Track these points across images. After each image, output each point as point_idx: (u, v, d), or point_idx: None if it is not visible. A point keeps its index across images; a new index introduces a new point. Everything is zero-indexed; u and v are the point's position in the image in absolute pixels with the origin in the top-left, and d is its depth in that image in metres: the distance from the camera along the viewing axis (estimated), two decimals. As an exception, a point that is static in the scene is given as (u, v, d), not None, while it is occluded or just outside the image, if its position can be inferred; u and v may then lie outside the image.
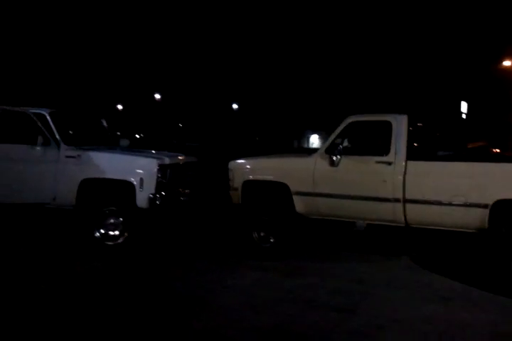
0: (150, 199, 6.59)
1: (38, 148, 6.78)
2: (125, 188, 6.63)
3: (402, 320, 4.53)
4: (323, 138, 47.08)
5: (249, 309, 4.74)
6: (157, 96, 44.16)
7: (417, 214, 6.04)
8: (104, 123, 8.47)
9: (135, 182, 6.61)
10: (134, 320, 4.43)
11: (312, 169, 6.59)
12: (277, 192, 6.76)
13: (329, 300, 5.03)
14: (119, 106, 45.82)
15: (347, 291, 5.34)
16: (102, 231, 6.70)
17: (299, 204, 6.65)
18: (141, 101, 44.08)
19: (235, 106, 45.09)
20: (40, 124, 6.82)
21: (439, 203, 5.82)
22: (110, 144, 7.97)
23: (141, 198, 6.59)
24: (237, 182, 7.06)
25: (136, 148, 8.82)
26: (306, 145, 46.58)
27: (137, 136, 34.71)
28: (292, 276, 5.86)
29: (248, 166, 7.20)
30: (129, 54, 40.11)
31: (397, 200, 6.06)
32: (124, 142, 8.36)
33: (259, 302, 4.94)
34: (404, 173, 6.06)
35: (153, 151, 8.06)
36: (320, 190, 6.51)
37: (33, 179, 6.77)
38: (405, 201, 6.03)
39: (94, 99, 35.87)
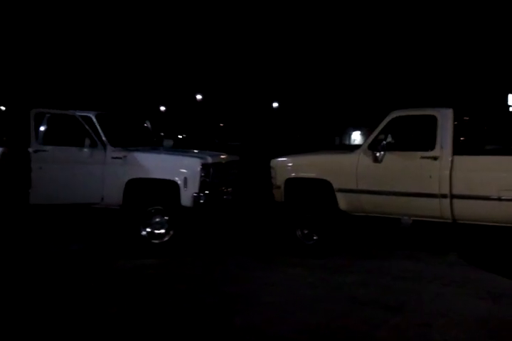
0: (194, 198, 6.69)
1: (86, 149, 6.99)
2: (170, 187, 6.76)
3: (450, 318, 4.44)
4: (365, 134, 46.42)
5: (294, 306, 4.75)
6: (198, 96, 44.65)
7: (464, 209, 5.89)
8: (148, 125, 8.65)
9: (179, 182, 6.73)
10: (177, 315, 4.51)
11: (355, 165, 6.53)
12: (320, 189, 6.73)
13: (376, 298, 4.98)
14: (162, 108, 46.59)
15: (394, 288, 5.27)
16: (149, 229, 6.85)
17: (342, 201, 6.60)
18: (183, 102, 44.68)
19: (275, 104, 45.06)
20: (87, 127, 7.03)
21: (488, 198, 5.67)
22: (154, 145, 8.15)
23: (186, 197, 6.70)
24: (279, 180, 7.07)
25: (179, 148, 8.97)
26: (347, 142, 46.07)
27: (180, 136, 35.21)
28: (337, 274, 5.83)
29: (290, 164, 7.20)
30: (171, 56, 40.72)
31: (443, 196, 5.93)
32: (168, 142, 8.51)
33: (304, 299, 4.94)
34: (451, 168, 5.93)
35: (196, 151, 8.18)
36: (363, 186, 6.44)
37: (81, 180, 6.97)
38: (452, 196, 5.89)
39: (138, 101, 36.61)
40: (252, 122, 42.74)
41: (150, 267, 6.09)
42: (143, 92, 39.86)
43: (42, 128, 7.11)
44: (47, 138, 7.08)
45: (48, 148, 7.01)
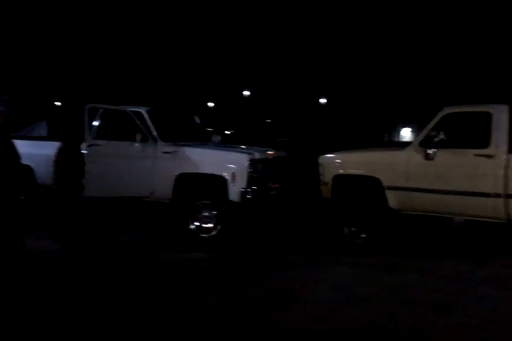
0: (241, 193, 6.75)
1: (137, 144, 7.15)
2: (218, 182, 6.84)
3: (503, 321, 4.29)
4: (416, 131, 45.34)
5: (342, 304, 4.70)
6: (246, 92, 44.84)
7: (520, 209, 5.68)
8: (197, 120, 8.77)
9: (227, 177, 6.79)
10: (223, 308, 4.55)
11: (406, 163, 6.40)
12: (369, 186, 6.64)
13: (426, 298, 4.87)
14: (210, 104, 47.10)
15: (445, 289, 5.14)
16: (197, 223, 6.95)
17: (392, 199, 6.48)
18: (231, 98, 44.99)
19: (323, 100, 44.68)
20: (138, 122, 7.19)
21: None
22: (203, 140, 8.25)
23: (233, 192, 6.76)
24: (327, 176, 7.02)
25: (227, 144, 9.05)
26: (396, 139, 45.15)
27: (227, 132, 35.49)
28: (386, 272, 5.74)
29: (339, 160, 7.13)
30: (220, 52, 41.07)
31: (498, 195, 5.74)
32: (216, 138, 8.62)
33: (351, 297, 4.89)
34: (506, 167, 5.72)
35: (244, 147, 8.23)
36: (414, 184, 6.30)
37: (133, 174, 7.14)
38: (507, 196, 5.69)
39: (187, 97, 37.15)
40: (299, 118, 42.58)
41: (199, 260, 6.18)
42: (192, 88, 40.40)
43: (95, 123, 7.32)
44: (100, 133, 7.28)
45: (101, 142, 7.20)
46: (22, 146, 6.04)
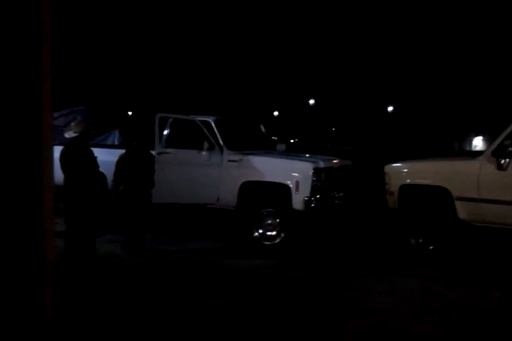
0: (305, 201, 6.76)
1: (204, 152, 7.34)
2: (282, 191, 6.89)
3: None
4: (488, 140, 43.43)
5: (406, 317, 4.59)
6: (311, 101, 44.78)
7: None
8: (263, 129, 8.87)
9: (291, 185, 6.83)
10: (287, 319, 4.56)
11: (477, 173, 6.17)
12: (437, 197, 6.45)
13: (493, 314, 4.67)
14: (275, 113, 47.40)
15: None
16: (261, 231, 7.03)
17: (462, 210, 6.26)
18: (296, 107, 45.07)
19: (390, 108, 43.81)
20: (206, 131, 7.38)
21: None
22: (268, 149, 8.34)
23: (297, 201, 6.79)
24: (393, 186, 6.89)
25: (292, 153, 9.09)
26: (468, 148, 43.46)
27: (292, 140, 35.55)
28: (453, 286, 5.54)
29: (406, 170, 6.98)
30: (285, 62, 41.31)
31: None
32: (281, 147, 8.68)
33: (418, 310, 4.77)
34: None
35: (308, 155, 8.24)
36: (486, 195, 6.06)
37: (199, 181, 7.33)
38: None
39: (253, 106, 37.59)
40: (365, 126, 41.95)
41: (262, 268, 6.23)
42: (257, 97, 40.85)
43: (165, 132, 7.59)
44: (169, 141, 7.55)
45: (170, 150, 7.46)
46: (97, 154, 6.39)
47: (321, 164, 7.11)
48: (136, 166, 6.72)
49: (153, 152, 7.40)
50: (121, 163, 6.77)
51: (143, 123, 10.00)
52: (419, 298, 5.13)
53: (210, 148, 7.33)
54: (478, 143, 45.83)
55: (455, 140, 42.11)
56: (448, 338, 4.14)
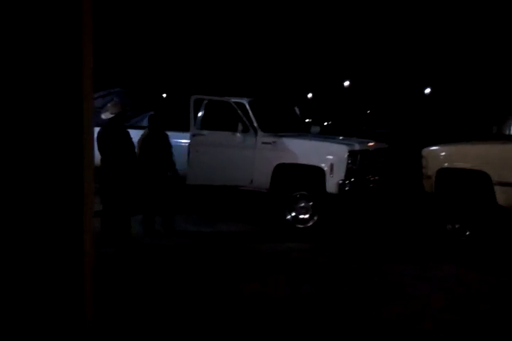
0: (339, 185, 6.68)
1: (238, 134, 7.32)
2: (316, 173, 6.83)
3: None
4: (530, 123, 41.87)
5: (444, 304, 4.53)
6: (346, 83, 44.11)
7: None
8: (297, 111, 8.78)
9: (325, 168, 6.76)
10: (320, 301, 4.56)
11: None
12: (476, 181, 6.29)
13: None
14: (309, 95, 46.92)
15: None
16: (293, 214, 7.02)
17: (502, 195, 6.09)
18: (331, 89, 44.49)
19: (427, 90, 42.78)
20: (240, 112, 7.35)
21: None
22: (302, 131, 8.26)
23: (331, 184, 6.72)
24: (431, 169, 6.75)
25: (326, 135, 8.99)
26: (507, 132, 42.16)
27: (325, 123, 35.17)
28: (490, 273, 5.43)
29: (444, 153, 6.82)
30: (320, 44, 40.69)
31: None
32: (315, 129, 8.58)
33: (454, 296, 4.70)
34: None
35: (343, 138, 8.13)
36: None
37: (233, 163, 7.34)
38: None
39: (287, 88, 37.30)
40: (402, 109, 41.13)
41: (295, 251, 6.23)
42: (292, 79, 40.48)
43: (199, 114, 7.60)
44: (204, 123, 7.56)
45: (204, 132, 7.47)
46: (133, 135, 6.46)
47: (356, 147, 7.01)
48: (153, 147, 6.66)
49: (187, 133, 7.44)
50: (140, 142, 6.71)
51: (177, 105, 10.05)
52: (455, 285, 5.05)
53: (245, 130, 7.30)
54: (518, 126, 44.37)
55: (493, 123, 40.93)
56: (481, 326, 4.07)
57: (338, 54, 41.37)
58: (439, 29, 37.97)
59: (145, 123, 10.52)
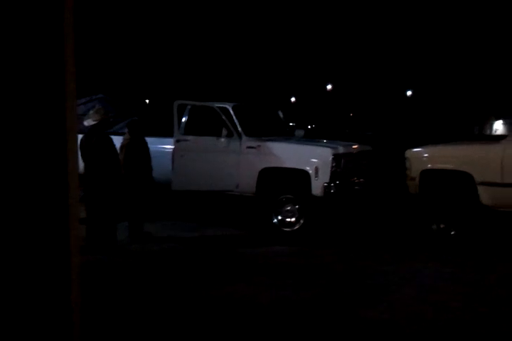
0: (325, 187, 6.71)
1: (223, 139, 7.32)
2: (301, 177, 6.85)
3: None
4: (509, 124, 42.57)
5: (428, 304, 4.56)
6: (329, 86, 44.40)
7: None
8: (281, 115, 8.81)
9: (310, 171, 6.79)
10: (307, 306, 4.57)
11: (501, 157, 6.06)
12: (459, 181, 6.36)
13: None
14: (292, 99, 47.12)
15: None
16: (280, 217, 7.02)
17: (485, 195, 6.17)
18: (313, 92, 44.73)
19: (409, 92, 43.23)
20: (224, 117, 7.35)
21: None
22: (286, 135, 8.29)
23: (316, 187, 6.74)
24: (414, 171, 6.81)
25: (310, 138, 9.03)
26: (488, 132, 42.71)
27: (309, 126, 35.35)
28: (476, 272, 5.49)
29: (427, 154, 6.89)
30: (301, 47, 40.92)
31: None
32: (299, 132, 8.62)
33: (440, 296, 4.73)
34: None
35: (327, 141, 8.17)
36: (510, 180, 5.96)
37: (218, 168, 7.32)
38: None
39: (270, 92, 37.42)
40: (384, 111, 41.50)
41: (282, 254, 6.24)
42: (274, 84, 40.63)
43: (183, 119, 7.58)
44: (188, 128, 7.54)
45: (189, 137, 7.45)
46: (116, 142, 6.41)
47: (341, 149, 7.05)
48: (136, 153, 6.65)
49: (172, 139, 7.42)
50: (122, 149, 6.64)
51: (160, 111, 10.01)
52: (442, 284, 5.09)
53: (229, 135, 7.30)
54: (498, 127, 45.03)
55: (475, 124, 41.41)
56: (472, 325, 4.11)
57: (320, 58, 41.63)
58: (421, 32, 38.43)
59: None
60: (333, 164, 6.79)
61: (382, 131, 19.43)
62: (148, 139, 6.96)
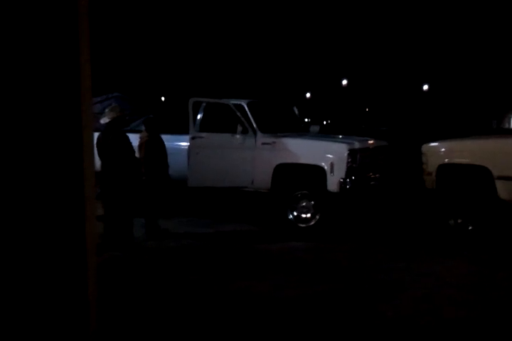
0: (340, 183, 6.69)
1: (238, 136, 7.33)
2: (316, 173, 6.83)
3: None
4: (530, 117, 41.91)
5: (446, 299, 4.53)
6: (344, 82, 44.13)
7: None
8: (296, 111, 8.79)
9: (326, 167, 6.77)
10: (322, 301, 4.57)
11: None
12: (477, 176, 6.29)
13: None
14: (308, 94, 46.95)
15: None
16: (295, 213, 7.02)
17: (503, 189, 6.09)
18: (329, 88, 44.51)
19: (425, 87, 42.77)
20: (239, 114, 7.35)
21: None
22: (301, 131, 8.27)
23: (332, 182, 6.72)
24: (431, 166, 6.75)
25: (326, 134, 8.99)
26: (507, 126, 42.12)
27: (324, 122, 35.23)
28: (493, 268, 5.43)
29: (443, 149, 6.82)
30: (317, 43, 40.71)
31: None
32: (315, 128, 8.59)
33: (458, 292, 4.69)
34: None
35: (343, 136, 8.13)
36: None
37: (233, 165, 7.33)
38: None
39: (285, 88, 37.34)
40: (400, 106, 41.14)
41: (298, 250, 6.24)
42: (290, 79, 40.52)
43: (198, 116, 7.61)
44: (203, 126, 7.57)
45: (204, 134, 7.48)
46: (132, 140, 6.44)
47: (356, 145, 7.01)
48: (156, 151, 6.71)
49: (187, 136, 7.45)
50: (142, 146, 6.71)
51: (176, 108, 10.06)
52: (459, 280, 5.04)
53: (244, 131, 7.30)
54: (518, 120, 44.33)
55: (493, 118, 40.84)
56: (487, 322, 4.07)
57: (335, 53, 41.40)
58: (437, 25, 38.00)
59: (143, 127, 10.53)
60: (349, 160, 6.76)
61: (398, 126, 19.22)
62: (164, 136, 7.00)
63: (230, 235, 7.02)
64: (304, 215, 7.00)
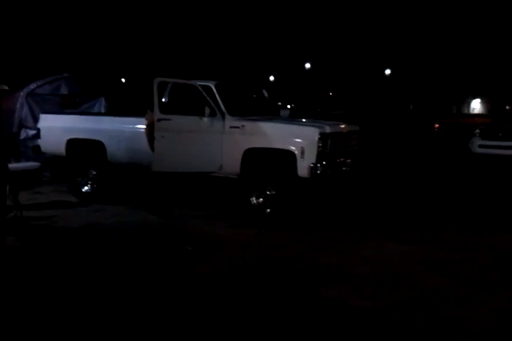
0: (311, 168, 6.51)
1: (206, 119, 7.02)
2: (286, 157, 6.64)
3: None
4: (486, 103, 43.07)
5: (386, 280, 4.59)
6: (307, 65, 44.02)
7: None
8: (265, 94, 8.54)
9: (296, 152, 6.58)
10: (262, 284, 4.51)
11: None
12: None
13: (475, 276, 4.70)
14: (271, 78, 46.65)
15: (504, 266, 4.97)
16: (262, 199, 6.83)
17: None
18: (292, 71, 44.32)
19: (387, 71, 43.14)
20: (206, 96, 7.05)
21: None
22: (271, 114, 8.04)
23: (302, 167, 6.54)
24: None
25: (296, 118, 8.79)
26: (466, 111, 43.10)
27: (288, 106, 35.07)
28: (436, 249, 5.56)
29: None
30: (280, 25, 40.36)
31: None
32: (285, 112, 8.39)
33: (397, 274, 4.77)
34: None
35: (313, 120, 7.96)
36: None
37: (201, 149, 7.05)
38: None
39: (249, 71, 36.95)
40: (362, 91, 41.42)
41: (249, 235, 6.19)
42: (253, 62, 40.11)
43: (164, 98, 7.26)
44: (169, 107, 7.21)
45: (170, 117, 7.13)
46: (94, 122, 6.10)
47: (328, 129, 6.83)
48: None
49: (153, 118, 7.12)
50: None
51: (138, 90, 9.65)
52: (402, 262, 5.12)
53: (212, 114, 7.01)
54: (476, 105, 45.48)
55: (453, 103, 41.68)
56: (425, 300, 4.14)
57: (298, 36, 41.14)
58: (399, 9, 38.22)
59: (96, 109, 10.12)
60: (320, 144, 6.57)
61: (352, 111, 18.91)
62: (126, 119, 6.68)
63: (190, 218, 6.96)
64: (271, 201, 6.80)
